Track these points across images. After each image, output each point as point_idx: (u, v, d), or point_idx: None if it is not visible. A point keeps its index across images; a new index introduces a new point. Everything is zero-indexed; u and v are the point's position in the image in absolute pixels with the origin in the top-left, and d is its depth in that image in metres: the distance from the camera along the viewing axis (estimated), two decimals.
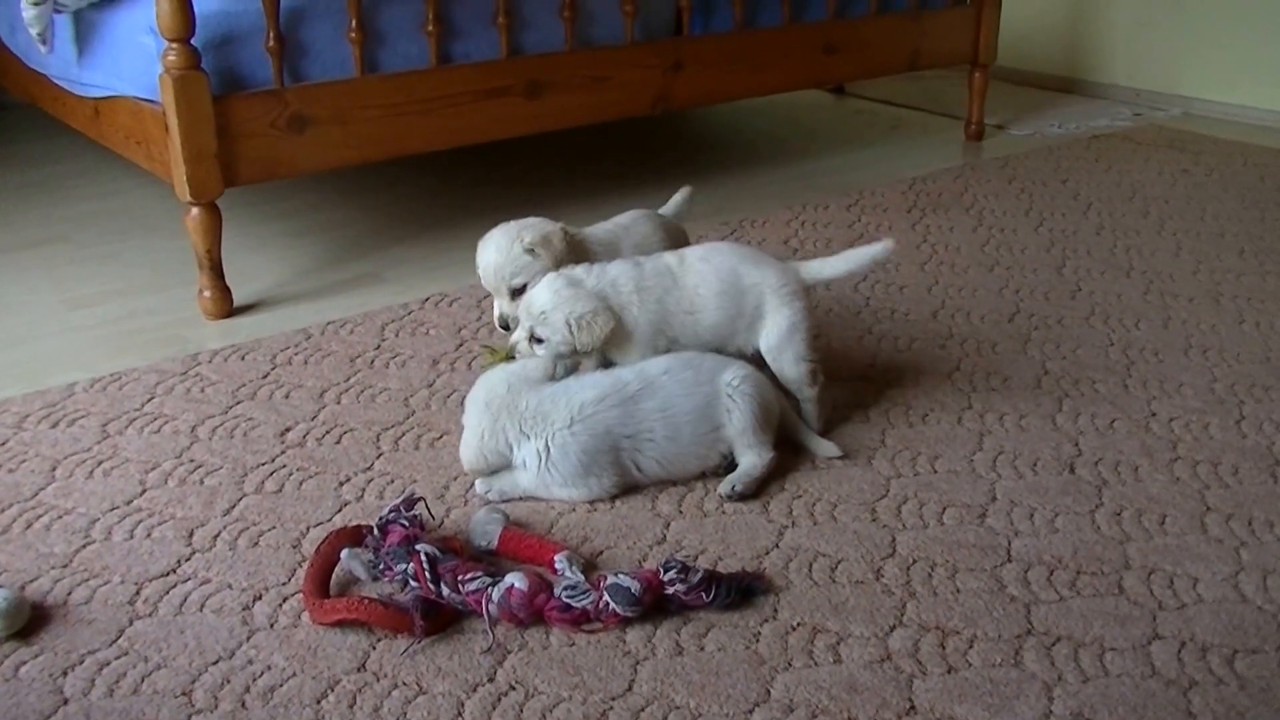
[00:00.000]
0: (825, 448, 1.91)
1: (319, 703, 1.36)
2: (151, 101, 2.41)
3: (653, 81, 3.05)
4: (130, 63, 2.48)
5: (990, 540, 1.67)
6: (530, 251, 1.96)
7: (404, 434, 1.96)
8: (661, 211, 2.28)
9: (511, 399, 1.77)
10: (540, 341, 1.87)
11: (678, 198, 2.35)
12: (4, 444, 1.93)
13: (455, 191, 3.37)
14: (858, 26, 3.49)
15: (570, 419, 1.74)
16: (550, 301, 1.85)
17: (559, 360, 1.91)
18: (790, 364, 1.94)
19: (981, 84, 3.89)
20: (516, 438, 1.77)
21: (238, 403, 2.07)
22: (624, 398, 1.77)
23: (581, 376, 1.85)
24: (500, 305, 2.01)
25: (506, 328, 2.00)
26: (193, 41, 2.28)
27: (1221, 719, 1.34)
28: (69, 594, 1.55)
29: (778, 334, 1.93)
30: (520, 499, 1.77)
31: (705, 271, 1.93)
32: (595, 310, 1.85)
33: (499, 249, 1.98)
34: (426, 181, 3.46)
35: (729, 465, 1.81)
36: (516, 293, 1.97)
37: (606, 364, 1.95)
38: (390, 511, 1.61)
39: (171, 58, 2.27)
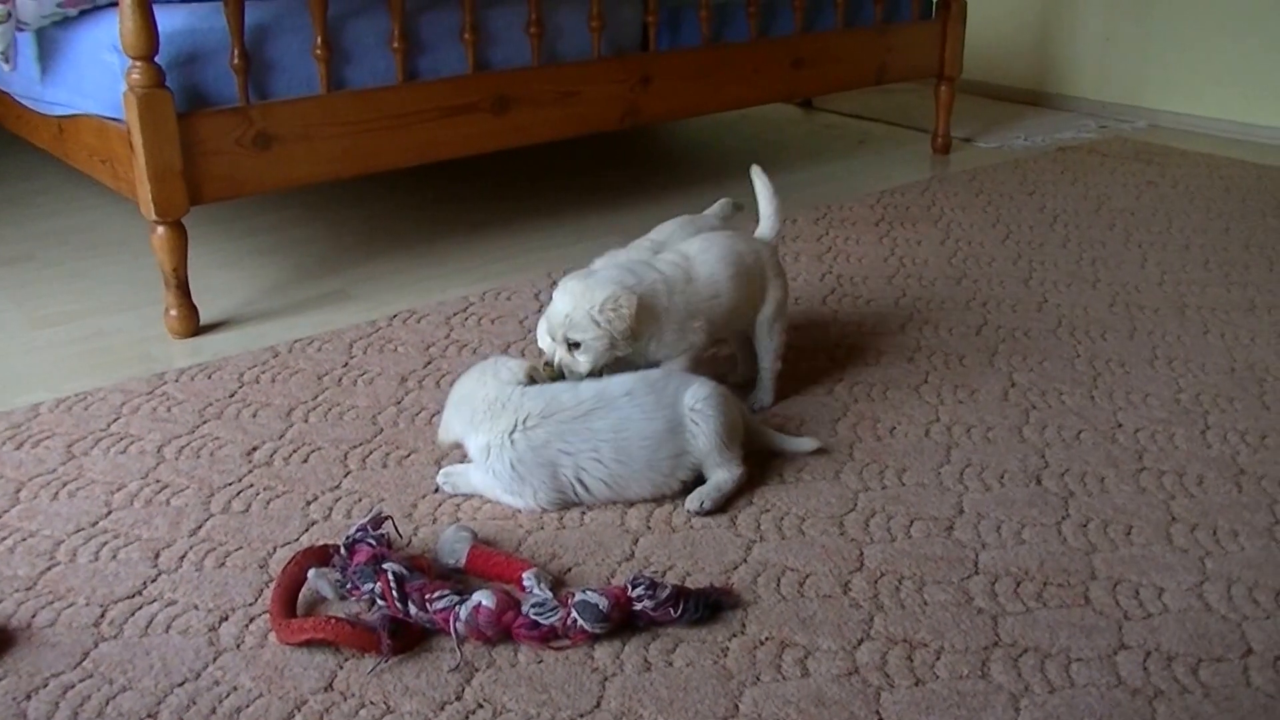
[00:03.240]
0: (802, 444, 1.94)
1: None
2: (116, 120, 2.40)
3: (621, 96, 3.06)
4: (94, 81, 2.47)
5: (957, 553, 1.68)
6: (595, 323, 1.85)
7: (372, 452, 1.96)
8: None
9: (476, 391, 1.80)
10: (578, 346, 1.86)
11: (716, 209, 2.40)
12: None
13: (424, 208, 3.37)
14: (824, 41, 3.51)
15: (512, 426, 1.75)
16: (569, 303, 1.85)
17: (606, 359, 1.88)
18: (779, 333, 2.10)
19: (948, 97, 3.92)
20: (466, 428, 1.79)
21: (204, 422, 2.06)
22: (573, 415, 1.75)
23: (545, 387, 1.81)
24: (558, 353, 1.91)
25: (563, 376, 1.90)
26: (157, 59, 2.27)
27: None
28: (33, 617, 1.53)
29: (775, 305, 2.09)
30: (471, 497, 1.81)
31: (711, 260, 2.00)
32: (615, 294, 1.84)
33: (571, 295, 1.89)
34: (395, 198, 3.46)
35: (693, 484, 1.81)
36: (573, 346, 1.88)
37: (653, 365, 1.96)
38: (357, 530, 1.60)
39: (135, 76, 2.26)
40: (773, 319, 2.09)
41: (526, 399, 1.77)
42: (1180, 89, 4.38)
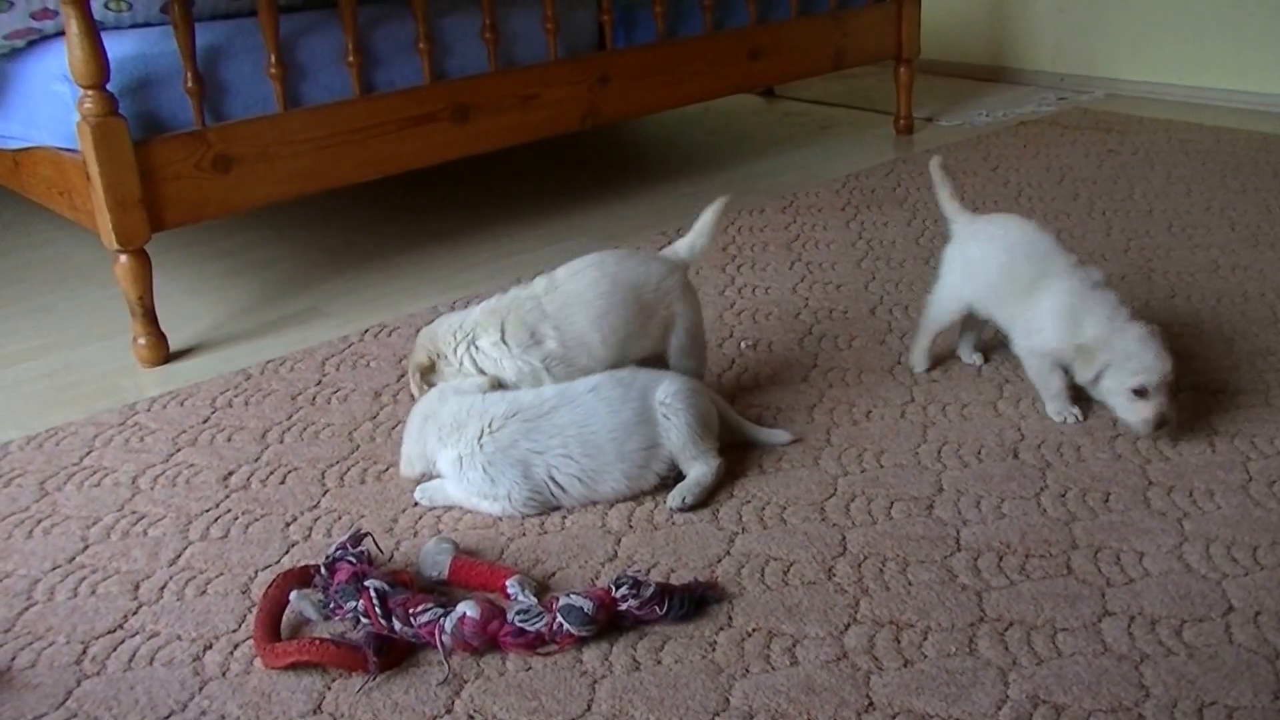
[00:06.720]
0: (777, 436, 1.94)
1: None
2: (71, 150, 2.38)
3: (580, 97, 3.05)
4: (46, 112, 2.45)
5: (939, 531, 1.68)
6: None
7: (349, 469, 1.95)
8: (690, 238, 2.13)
9: (438, 409, 1.82)
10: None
11: (708, 216, 2.15)
12: None
13: (390, 221, 3.35)
14: (780, 30, 3.51)
15: (480, 432, 1.76)
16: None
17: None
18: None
19: (907, 78, 3.93)
20: (436, 447, 1.80)
21: (178, 450, 2.04)
22: (538, 414, 1.77)
23: (507, 392, 1.85)
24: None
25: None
26: (109, 87, 2.25)
27: (1173, 689, 1.35)
28: (13, 659, 1.52)
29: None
30: (452, 508, 1.81)
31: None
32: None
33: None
34: (360, 212, 3.44)
35: (672, 481, 1.80)
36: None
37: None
38: (337, 549, 1.59)
39: (88, 105, 2.24)
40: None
41: (490, 405, 1.79)
42: (1136, 58, 4.39)
